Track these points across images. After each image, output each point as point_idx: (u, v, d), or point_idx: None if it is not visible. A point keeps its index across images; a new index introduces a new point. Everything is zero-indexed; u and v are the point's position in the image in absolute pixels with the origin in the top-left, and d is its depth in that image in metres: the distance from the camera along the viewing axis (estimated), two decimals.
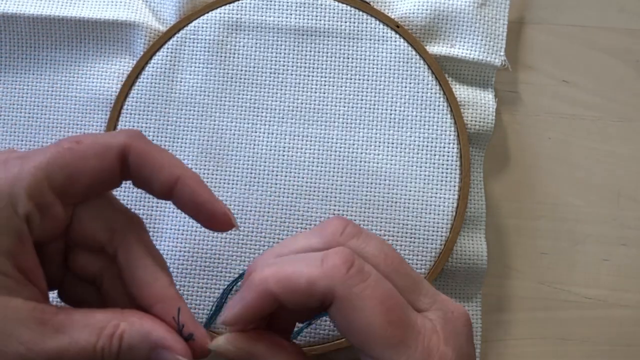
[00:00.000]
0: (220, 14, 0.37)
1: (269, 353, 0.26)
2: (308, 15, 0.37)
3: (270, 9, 0.37)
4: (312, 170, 0.36)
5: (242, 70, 0.37)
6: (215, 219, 0.27)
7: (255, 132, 0.37)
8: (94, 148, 0.25)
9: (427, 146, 0.36)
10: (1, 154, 0.25)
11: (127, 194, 0.36)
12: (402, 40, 0.37)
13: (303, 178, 0.36)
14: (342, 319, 0.25)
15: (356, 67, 0.37)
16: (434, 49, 0.38)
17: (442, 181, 0.36)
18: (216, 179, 0.36)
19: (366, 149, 0.36)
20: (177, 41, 0.37)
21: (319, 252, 0.26)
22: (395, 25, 0.37)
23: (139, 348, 0.24)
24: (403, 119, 0.37)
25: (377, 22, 0.37)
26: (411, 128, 0.36)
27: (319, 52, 0.37)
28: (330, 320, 0.26)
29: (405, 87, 0.37)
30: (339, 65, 0.37)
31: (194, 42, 0.37)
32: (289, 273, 0.25)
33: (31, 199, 0.23)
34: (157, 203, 0.36)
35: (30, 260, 0.24)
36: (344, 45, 0.37)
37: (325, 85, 0.37)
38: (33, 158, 0.24)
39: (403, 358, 0.24)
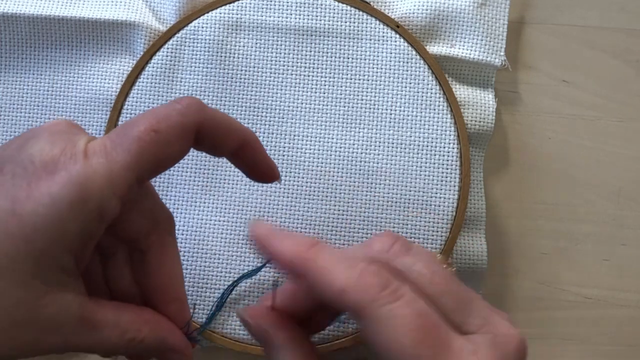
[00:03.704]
0: (220, 14, 0.37)
1: (284, 343, 0.27)
2: (308, 15, 0.37)
3: (270, 9, 0.37)
4: (312, 170, 0.36)
5: (242, 70, 0.37)
6: (268, 176, 0.29)
7: (255, 132, 0.36)
8: (173, 134, 0.25)
9: (427, 146, 0.36)
10: (68, 133, 0.24)
11: None
12: (402, 40, 0.37)
13: (303, 178, 0.36)
14: (370, 336, 0.24)
15: (356, 67, 0.37)
16: (434, 49, 0.38)
17: (442, 181, 0.36)
18: (216, 178, 0.36)
19: (366, 149, 0.36)
20: (177, 41, 0.37)
21: (362, 261, 0.25)
22: (395, 25, 0.37)
23: (155, 349, 0.27)
24: (403, 119, 0.37)
25: (377, 22, 0.37)
26: (411, 128, 0.36)
27: (319, 52, 0.37)
28: (361, 333, 0.26)
29: (405, 87, 0.37)
30: (339, 65, 0.37)
31: (194, 42, 0.37)
32: (327, 269, 0.25)
33: (122, 203, 0.24)
34: None
35: (87, 256, 0.24)
36: (344, 45, 0.37)
37: (325, 85, 0.37)
38: (119, 159, 0.24)
39: None
